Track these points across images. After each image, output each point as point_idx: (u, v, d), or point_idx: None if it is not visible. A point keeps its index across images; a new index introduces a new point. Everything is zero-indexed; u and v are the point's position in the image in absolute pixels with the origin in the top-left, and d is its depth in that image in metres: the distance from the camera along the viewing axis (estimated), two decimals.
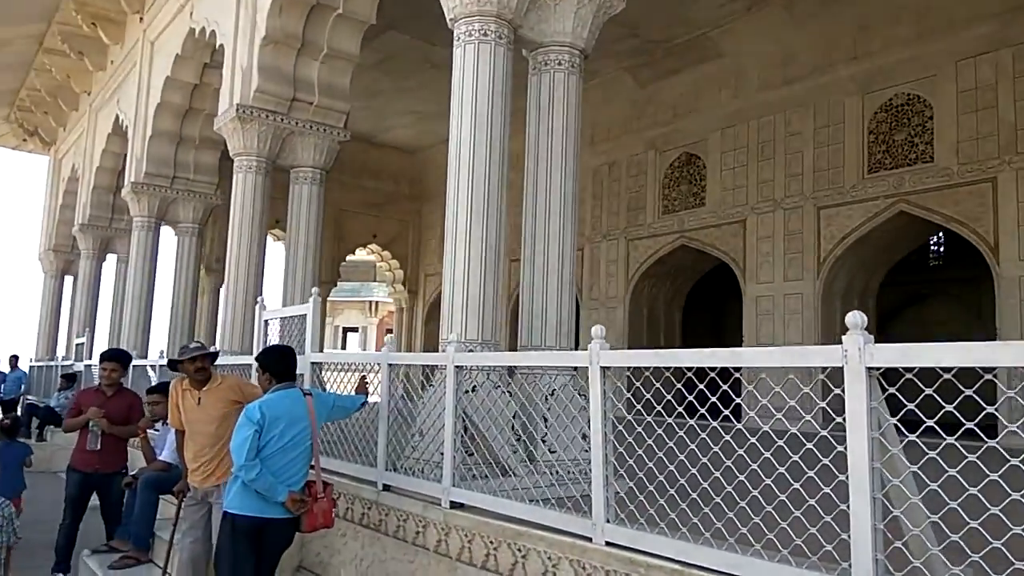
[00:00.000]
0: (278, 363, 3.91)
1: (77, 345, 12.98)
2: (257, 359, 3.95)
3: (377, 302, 37.43)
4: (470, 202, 4.53)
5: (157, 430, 5.79)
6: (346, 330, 38.45)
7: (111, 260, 14.75)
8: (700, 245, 13.74)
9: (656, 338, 15.36)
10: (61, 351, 16.78)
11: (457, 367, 3.97)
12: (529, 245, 4.90)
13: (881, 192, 11.24)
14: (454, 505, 3.88)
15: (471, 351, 4.26)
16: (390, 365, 4.50)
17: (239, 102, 7.57)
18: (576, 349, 4.71)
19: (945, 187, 10.40)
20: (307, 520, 3.74)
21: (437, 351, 4.33)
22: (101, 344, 12.94)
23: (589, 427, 4.61)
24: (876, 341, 2.22)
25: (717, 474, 2.64)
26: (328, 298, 23.27)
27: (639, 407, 3.01)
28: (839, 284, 12.11)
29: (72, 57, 13.39)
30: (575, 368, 4.67)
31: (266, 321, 6.25)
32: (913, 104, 11.04)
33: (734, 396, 2.79)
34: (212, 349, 4.63)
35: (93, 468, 5.49)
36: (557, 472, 4.33)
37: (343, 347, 37.49)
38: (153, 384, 6.49)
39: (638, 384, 3.01)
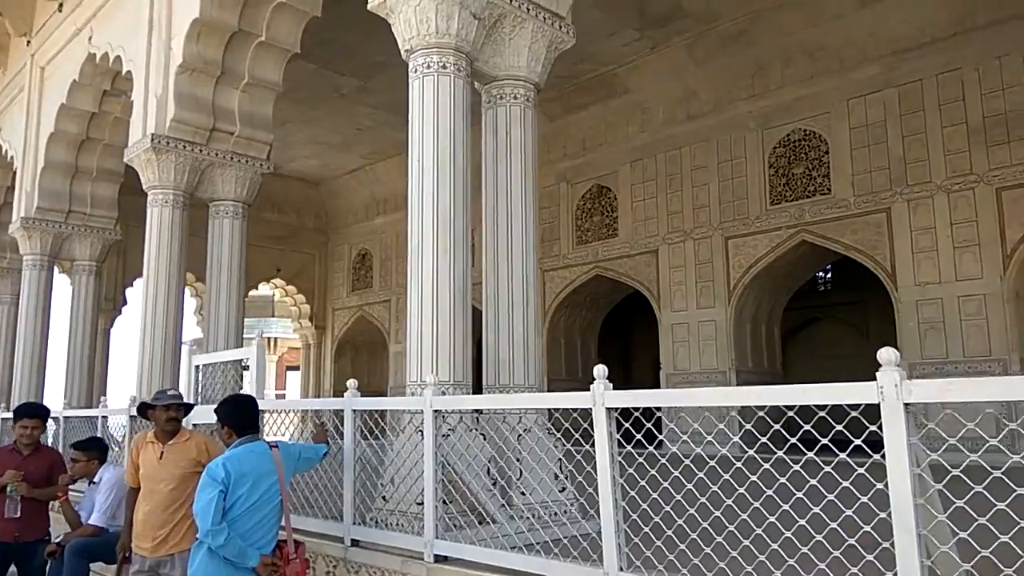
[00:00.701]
0: (239, 414, 3.61)
1: None
2: (216, 412, 3.64)
3: (276, 338, 36.04)
4: (435, 238, 4.40)
5: (81, 491, 5.24)
6: (243, 367, 36.75)
7: None
8: (615, 275, 14.04)
9: (573, 366, 15.52)
10: None
11: (436, 411, 3.81)
12: (492, 280, 4.81)
13: (784, 223, 11.88)
14: (438, 559, 3.69)
15: (443, 393, 4.10)
16: (354, 411, 4.27)
17: (154, 131, 7.11)
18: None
19: (843, 217, 11.12)
20: None
21: (342, 394, 4.18)
22: None
23: (561, 468, 4.57)
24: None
25: (744, 516, 2.62)
26: None
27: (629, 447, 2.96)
28: (748, 310, 12.67)
29: None
30: (551, 409, 4.61)
31: (197, 367, 5.83)
32: (810, 139, 11.79)
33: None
34: (188, 401, 4.26)
35: (12, 537, 4.87)
36: (535, 516, 4.24)
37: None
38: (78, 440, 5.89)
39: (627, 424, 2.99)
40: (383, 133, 16.37)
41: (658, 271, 13.40)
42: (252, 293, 21.75)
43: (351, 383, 4.35)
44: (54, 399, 10.54)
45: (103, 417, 6.85)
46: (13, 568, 5.00)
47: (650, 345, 16.72)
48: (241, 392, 3.86)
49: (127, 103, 9.77)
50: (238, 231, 7.67)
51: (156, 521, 3.99)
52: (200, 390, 5.84)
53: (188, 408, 4.22)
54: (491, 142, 4.92)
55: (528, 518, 4.10)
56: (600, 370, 3.07)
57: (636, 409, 2.92)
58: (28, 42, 10.58)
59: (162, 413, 4.08)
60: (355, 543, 4.17)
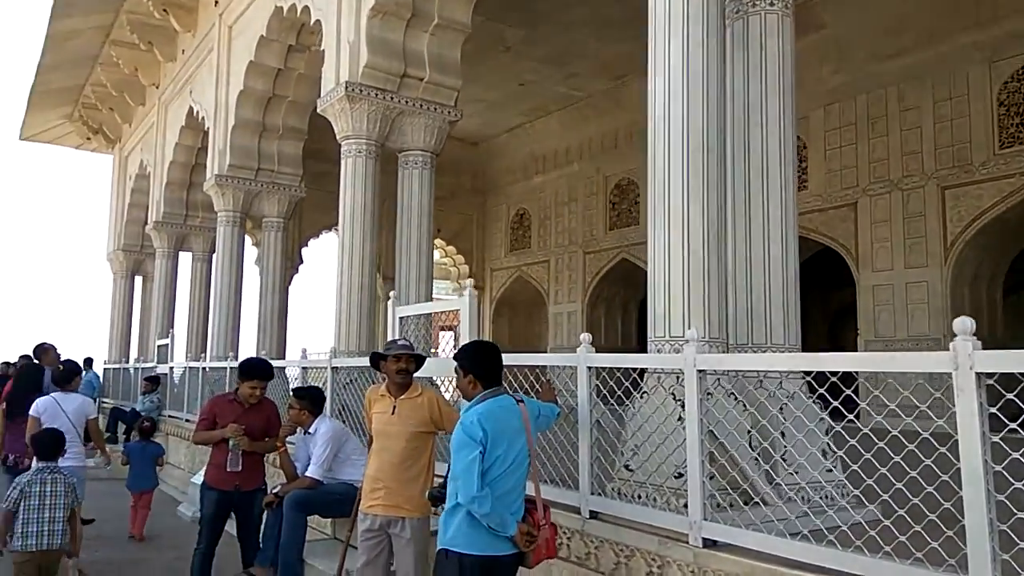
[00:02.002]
0: (484, 362, 3.18)
1: (159, 347, 12.55)
2: (459, 358, 3.24)
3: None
4: (685, 171, 3.77)
5: (293, 443, 5.16)
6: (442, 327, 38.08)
7: (184, 258, 14.33)
8: (803, 231, 12.76)
9: None
10: (134, 353, 16.48)
11: (700, 371, 3.23)
12: (741, 222, 4.12)
13: (1017, 168, 10.21)
14: (707, 543, 3.14)
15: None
16: (589, 368, 3.78)
17: (347, 79, 6.92)
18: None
19: None
20: (534, 553, 3.05)
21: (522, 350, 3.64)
22: (183, 345, 12.50)
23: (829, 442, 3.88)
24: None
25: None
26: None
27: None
28: (968, 270, 11.10)
29: (141, 48, 12.95)
30: (806, 373, 3.90)
31: (401, 319, 5.60)
32: None
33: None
34: (419, 351, 3.98)
35: (232, 486, 4.86)
36: (803, 499, 3.59)
37: None
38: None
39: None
40: (546, 87, 15.76)
41: (856, 226, 12.04)
42: None
43: (584, 337, 3.85)
44: (247, 351, 11.02)
45: (303, 369, 6.85)
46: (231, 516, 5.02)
47: (843, 309, 15.28)
48: (482, 340, 3.44)
49: (311, 58, 9.80)
50: (427, 181, 7.41)
51: (386, 479, 3.73)
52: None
53: (420, 361, 3.89)
54: (739, 59, 4.18)
55: (793, 500, 3.47)
56: (964, 323, 2.34)
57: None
58: (216, 2, 10.87)
59: (392, 364, 3.80)
60: (594, 515, 3.71)
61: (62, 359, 7.30)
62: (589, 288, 17.31)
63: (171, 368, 11.54)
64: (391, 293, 5.76)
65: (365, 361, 6.73)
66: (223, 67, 10.54)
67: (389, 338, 5.66)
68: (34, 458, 4.78)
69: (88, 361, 14.54)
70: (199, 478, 8.41)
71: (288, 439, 5.21)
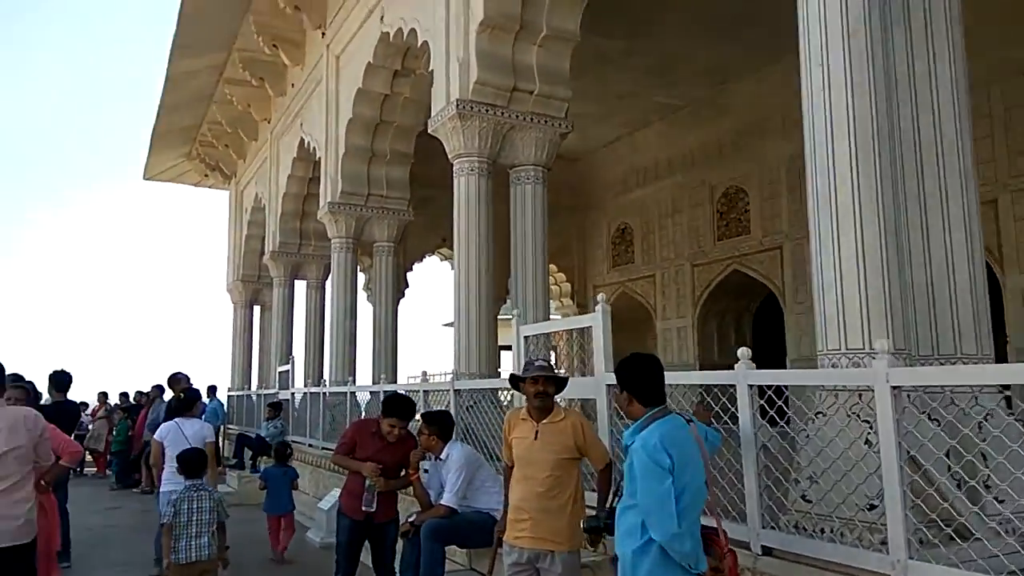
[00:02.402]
0: (647, 378, 2.83)
1: (280, 373, 12.92)
2: (619, 373, 2.94)
3: None
4: (853, 162, 3.37)
5: (426, 470, 5.00)
6: (500, 348, 38.15)
7: (299, 286, 14.76)
8: None
9: None
10: (255, 380, 17.09)
11: (895, 388, 2.82)
12: (914, 210, 3.66)
13: None
14: None
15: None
16: (751, 386, 3.42)
17: (458, 97, 6.84)
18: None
19: None
20: None
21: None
22: (302, 371, 12.80)
23: None
24: None
25: None
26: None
27: None
28: None
29: (253, 84, 13.49)
30: (1002, 387, 3.41)
31: (526, 338, 5.39)
32: None
33: None
34: (561, 373, 3.75)
35: (363, 516, 4.76)
36: (1011, 531, 3.10)
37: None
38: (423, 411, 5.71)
39: None
40: (644, 98, 15.36)
41: (998, 225, 11.00)
42: None
43: (743, 352, 3.50)
44: (364, 375, 11.14)
45: (424, 392, 6.75)
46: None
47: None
48: (641, 352, 3.14)
49: (416, 82, 9.87)
50: (540, 196, 7.22)
51: (531, 509, 3.48)
52: (521, 363, 5.40)
53: (561, 383, 3.64)
54: (899, 35, 3.74)
55: (1003, 534, 2.99)
56: None
57: None
58: (323, 34, 11.16)
59: (530, 387, 3.57)
60: (767, 551, 3.33)
61: (188, 387, 7.53)
62: (699, 302, 16.66)
63: (292, 394, 11.81)
64: (514, 312, 5.56)
65: (488, 383, 6.59)
66: (332, 97, 10.78)
67: (513, 359, 5.47)
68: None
69: (212, 389, 15.16)
70: (326, 503, 8.49)
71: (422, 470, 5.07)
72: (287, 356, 13.96)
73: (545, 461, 3.48)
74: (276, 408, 11.67)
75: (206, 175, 19.02)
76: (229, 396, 16.85)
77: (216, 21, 12.02)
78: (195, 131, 17.03)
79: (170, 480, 6.05)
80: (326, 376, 11.71)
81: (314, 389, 10.70)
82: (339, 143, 10.52)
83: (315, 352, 14.02)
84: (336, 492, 8.55)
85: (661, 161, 17.58)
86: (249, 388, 17.12)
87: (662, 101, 15.42)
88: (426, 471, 5.01)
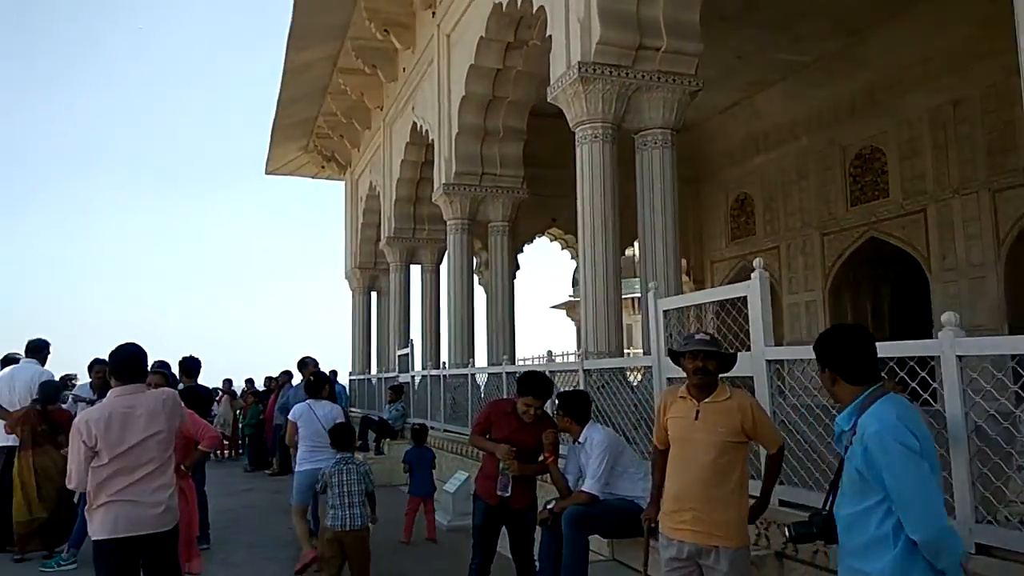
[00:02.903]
0: (859, 351, 2.38)
1: (400, 357, 13.05)
2: (818, 348, 2.48)
3: (636, 299, 35.96)
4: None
5: (563, 455, 4.71)
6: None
7: (414, 270, 14.88)
8: None
9: None
10: (374, 363, 17.46)
11: None
12: None
13: None
14: None
15: None
16: (960, 357, 2.89)
17: (580, 60, 6.45)
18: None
19: None
20: None
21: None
22: (420, 354, 12.87)
23: None
24: None
25: None
26: None
27: None
28: None
29: (366, 72, 13.60)
30: None
31: (666, 312, 4.98)
32: None
33: None
34: (725, 349, 3.35)
35: (498, 500, 4.53)
36: None
37: None
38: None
39: None
40: (766, 57, 14.35)
41: None
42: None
43: (947, 317, 2.96)
44: (481, 356, 11.01)
45: (550, 373, 6.45)
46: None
47: None
48: (845, 324, 2.64)
49: (528, 54, 9.55)
50: (668, 162, 6.73)
51: (693, 499, 3.10)
52: (660, 339, 4.99)
53: (726, 360, 3.23)
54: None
55: None
56: None
57: None
58: (433, 13, 11.03)
59: (688, 362, 3.18)
60: (982, 549, 2.82)
61: (318, 370, 7.65)
62: (830, 274, 15.54)
63: (412, 377, 11.87)
64: (651, 285, 5.15)
65: (618, 362, 6.22)
66: (443, 76, 10.64)
67: (652, 335, 5.07)
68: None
69: (333, 373, 15.56)
70: (451, 485, 8.40)
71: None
72: (405, 340, 14.09)
73: (708, 444, 3.09)
74: (398, 391, 11.75)
75: (323, 166, 19.51)
76: (350, 380, 17.28)
77: (329, 10, 12.14)
78: (312, 123, 17.45)
79: (305, 459, 6.28)
80: (444, 358, 11.70)
81: (434, 372, 10.67)
82: (452, 123, 10.37)
83: (432, 335, 14.08)
84: (461, 475, 8.44)
85: (784, 124, 16.48)
86: (369, 372, 17.50)
87: (786, 58, 14.39)
88: (562, 456, 4.72)
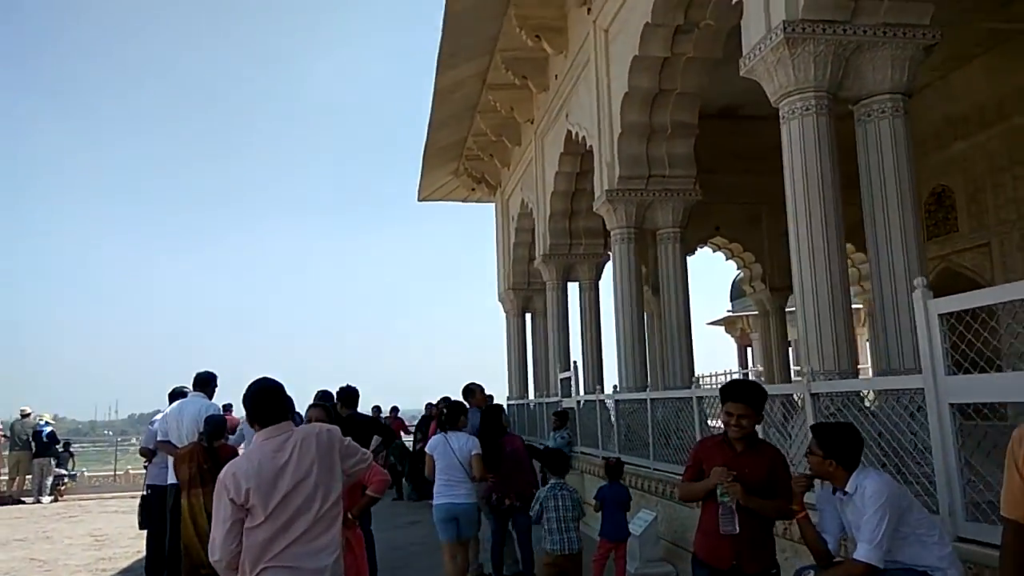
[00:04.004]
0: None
1: (561, 380, 12.24)
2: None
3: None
4: None
5: (814, 504, 3.61)
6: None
7: (571, 289, 14.08)
8: None
9: None
10: (531, 387, 16.79)
11: None
12: None
13: None
14: None
15: None
16: None
17: (785, 19, 5.35)
18: None
19: None
20: None
21: None
22: (582, 376, 11.99)
23: None
24: None
25: None
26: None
27: None
28: None
29: (516, 84, 13.05)
30: None
31: (941, 316, 3.77)
32: None
33: None
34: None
35: (728, 563, 3.51)
36: None
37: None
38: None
39: None
40: (966, 28, 12.37)
41: None
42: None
43: None
44: (653, 378, 9.93)
45: (785, 396, 5.33)
46: None
47: None
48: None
49: (700, 37, 8.52)
50: (901, 134, 5.46)
51: None
52: (945, 353, 3.77)
53: None
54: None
55: None
56: None
57: None
58: (588, 10, 10.25)
59: None
60: None
61: (451, 400, 7.08)
62: None
63: (577, 402, 10.99)
64: (916, 282, 3.94)
65: (852, 385, 5.02)
66: (602, 75, 9.79)
67: (922, 345, 3.85)
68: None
69: (376, 409, 15.06)
70: (636, 527, 7.36)
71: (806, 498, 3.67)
72: (566, 362, 13.25)
73: None
74: (562, 418, 10.92)
75: (473, 189, 19.26)
76: (508, 404, 16.66)
77: (479, 23, 11.72)
78: (461, 146, 17.21)
79: (440, 494, 6.05)
80: (609, 381, 10.77)
81: (605, 396, 9.72)
82: (613, 124, 9.48)
83: (593, 355, 13.19)
84: (646, 514, 7.39)
85: (989, 104, 14.22)
86: (526, 396, 16.83)
87: (991, 27, 12.36)
88: (812, 505, 3.61)
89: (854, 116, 5.67)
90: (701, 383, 12.18)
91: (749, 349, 35.10)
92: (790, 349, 20.63)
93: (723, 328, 35.71)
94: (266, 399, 3.15)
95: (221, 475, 3.06)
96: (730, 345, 37.02)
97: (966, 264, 15.35)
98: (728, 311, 34.85)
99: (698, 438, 6.70)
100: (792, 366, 23.78)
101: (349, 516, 4.10)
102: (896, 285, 5.34)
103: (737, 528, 3.47)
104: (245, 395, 3.23)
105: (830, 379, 5.09)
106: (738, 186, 14.37)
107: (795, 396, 5.35)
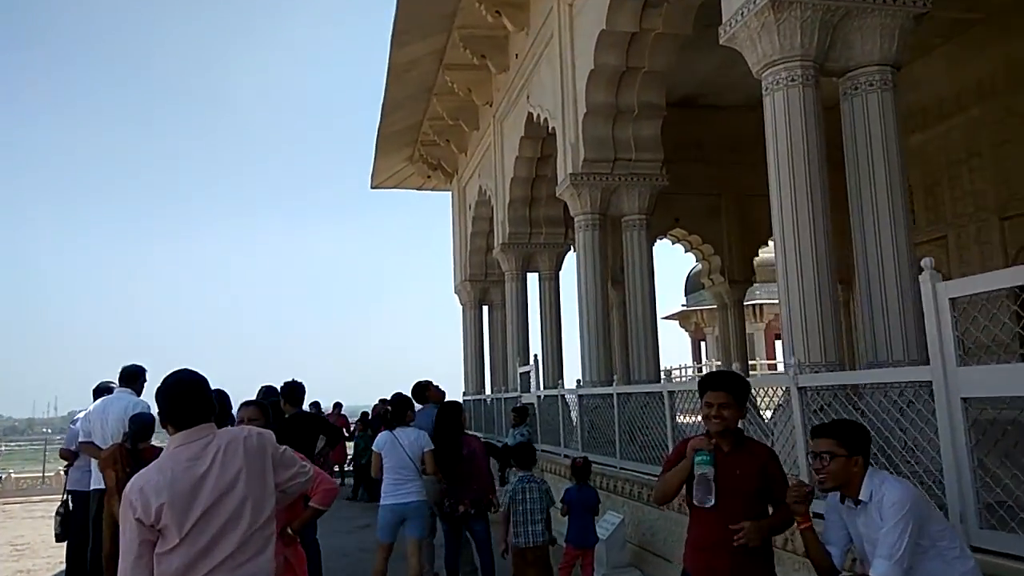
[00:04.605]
0: None
1: (521, 375, 11.75)
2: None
3: (761, 305, 33.31)
4: None
5: (822, 513, 3.18)
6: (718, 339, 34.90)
7: (531, 280, 13.61)
8: None
9: None
10: (487, 382, 16.30)
11: None
12: None
13: None
14: None
15: None
16: None
17: None
18: None
19: None
20: None
21: None
22: (541, 371, 11.52)
23: None
24: None
25: None
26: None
27: None
28: None
29: (474, 64, 12.49)
30: None
31: (952, 300, 3.39)
32: None
33: None
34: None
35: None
36: None
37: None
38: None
39: None
40: (932, 15, 12.21)
41: None
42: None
43: None
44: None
45: (765, 390, 4.91)
46: None
47: None
48: None
49: (670, 11, 8.10)
50: (890, 108, 5.11)
51: None
52: (958, 341, 3.40)
53: None
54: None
55: None
56: None
57: None
58: None
59: None
60: None
61: (398, 395, 6.58)
62: (1015, 263, 13.15)
63: (538, 397, 10.53)
64: (924, 263, 3.56)
65: (843, 378, 4.64)
66: (566, 52, 9.31)
67: (931, 331, 3.47)
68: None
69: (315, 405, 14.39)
70: (602, 531, 6.92)
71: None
72: (525, 355, 12.80)
73: None
74: (522, 414, 10.43)
75: (428, 176, 18.62)
76: (465, 400, 16.14)
77: None
78: (417, 130, 16.56)
79: (388, 493, 5.78)
80: (569, 375, 10.35)
81: (569, 391, 9.28)
82: (578, 104, 9.01)
83: (553, 349, 12.78)
84: (613, 517, 6.97)
85: (948, 96, 14.18)
86: (483, 391, 16.33)
87: (951, 17, 12.26)
88: (820, 513, 3.19)
89: (840, 90, 5.30)
90: (672, 377, 11.88)
91: (703, 343, 35.25)
92: (748, 342, 20.54)
93: (677, 322, 35.76)
94: (183, 395, 2.58)
95: (126, 490, 2.49)
96: (684, 340, 37.07)
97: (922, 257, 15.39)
98: (683, 305, 34.88)
99: (668, 435, 6.31)
100: (750, 360, 23.63)
101: (289, 531, 3.54)
102: (884, 269, 5.00)
103: (714, 500, 3.07)
104: (158, 390, 2.66)
105: (816, 371, 4.71)
106: (698, 177, 14.12)
107: (776, 390, 4.97)
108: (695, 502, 3.13)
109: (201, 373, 2.70)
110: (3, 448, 24.10)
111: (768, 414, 5.03)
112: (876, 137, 5.09)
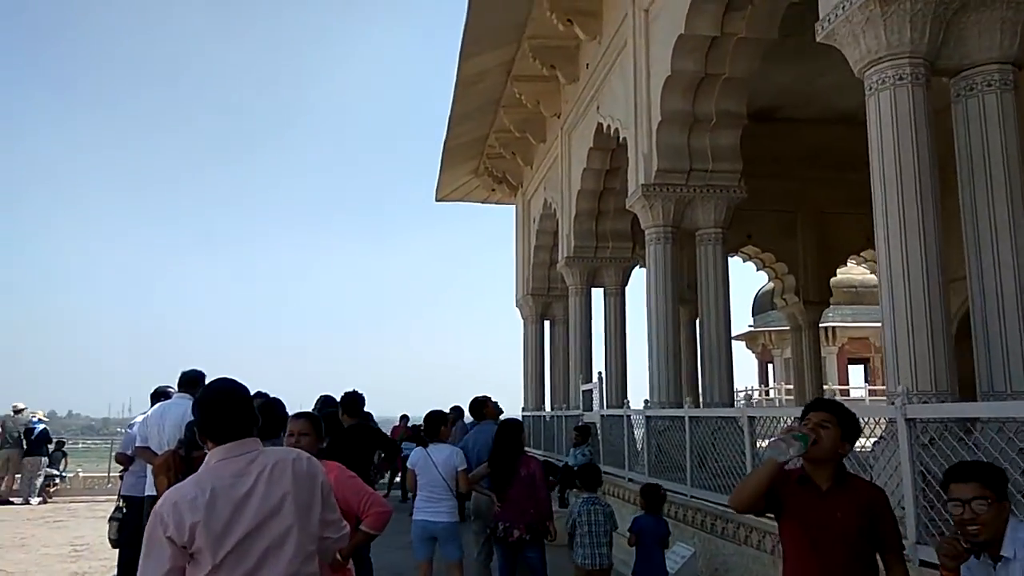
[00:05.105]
0: None
1: (584, 392, 11.36)
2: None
3: (835, 327, 31.91)
4: None
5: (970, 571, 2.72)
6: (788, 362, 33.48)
7: (595, 295, 13.22)
8: None
9: None
10: (547, 398, 15.92)
11: None
12: None
13: None
14: None
15: None
16: None
17: None
18: None
19: None
20: None
21: None
22: (607, 389, 11.10)
23: None
24: None
25: None
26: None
27: None
28: None
29: (543, 75, 12.25)
30: None
31: None
32: None
33: None
34: None
35: None
36: None
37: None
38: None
39: None
40: None
41: None
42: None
43: None
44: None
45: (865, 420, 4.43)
46: None
47: None
48: None
49: (753, 15, 7.68)
50: (1010, 109, 4.58)
51: None
52: None
53: None
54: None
55: None
56: None
57: None
58: None
59: None
60: None
61: (432, 411, 6.31)
62: None
63: (601, 416, 10.11)
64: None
65: (961, 409, 4.15)
66: (640, 59, 8.96)
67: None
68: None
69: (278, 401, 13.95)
70: (671, 564, 6.50)
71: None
72: (588, 372, 12.38)
73: None
74: (584, 433, 10.03)
75: (493, 189, 18.46)
76: (524, 416, 15.79)
77: (506, 7, 10.95)
78: (483, 143, 16.43)
79: (420, 509, 5.73)
80: (633, 394, 9.91)
81: (636, 411, 8.83)
82: (652, 112, 8.63)
83: (617, 367, 12.36)
84: (683, 549, 6.48)
85: None
86: (543, 408, 15.96)
87: None
88: (968, 571, 2.72)
89: (951, 91, 4.81)
90: (753, 401, 11.26)
91: (770, 365, 34.00)
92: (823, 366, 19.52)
93: (744, 343, 34.63)
94: (222, 406, 2.34)
95: (158, 505, 2.25)
96: (749, 361, 35.88)
97: None
98: (749, 326, 33.76)
99: (748, 463, 5.83)
100: (824, 385, 22.57)
101: (338, 558, 3.27)
102: (1002, 288, 4.46)
103: (799, 460, 2.73)
104: (195, 401, 2.43)
105: (925, 401, 4.21)
106: (773, 192, 13.49)
107: (879, 420, 4.48)
108: (779, 458, 2.69)
109: (241, 383, 2.45)
110: (80, 446, 25.00)
111: (867, 444, 4.53)
112: (994, 143, 4.58)
